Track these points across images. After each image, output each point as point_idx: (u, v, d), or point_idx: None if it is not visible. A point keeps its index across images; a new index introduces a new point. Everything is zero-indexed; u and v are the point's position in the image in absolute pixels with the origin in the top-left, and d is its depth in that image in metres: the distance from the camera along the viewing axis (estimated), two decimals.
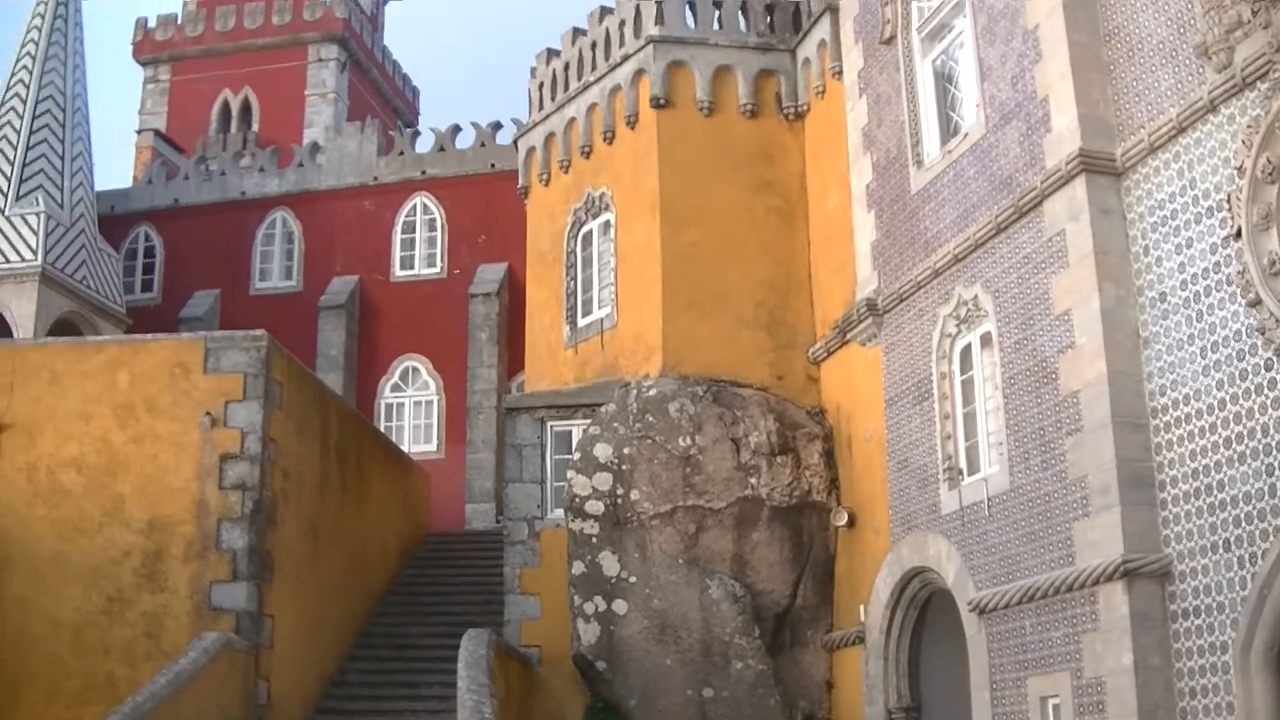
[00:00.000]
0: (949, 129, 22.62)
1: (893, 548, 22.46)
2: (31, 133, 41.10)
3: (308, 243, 43.92)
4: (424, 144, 44.23)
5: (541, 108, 31.82)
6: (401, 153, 43.98)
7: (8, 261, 39.00)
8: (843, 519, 24.42)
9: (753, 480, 24.71)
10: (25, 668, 23.64)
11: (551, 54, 31.98)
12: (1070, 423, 18.19)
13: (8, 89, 42.15)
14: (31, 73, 42.05)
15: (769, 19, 29.00)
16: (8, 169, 40.47)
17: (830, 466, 25.18)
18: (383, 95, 60.93)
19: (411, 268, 42.58)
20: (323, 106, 55.66)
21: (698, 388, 25.50)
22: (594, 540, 24.60)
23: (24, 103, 41.62)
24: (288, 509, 25.31)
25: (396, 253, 42.82)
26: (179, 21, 58.49)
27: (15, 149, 40.79)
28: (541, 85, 32.04)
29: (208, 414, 24.35)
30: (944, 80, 23.04)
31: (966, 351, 21.42)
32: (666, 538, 24.38)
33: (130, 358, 25.22)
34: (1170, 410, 17.08)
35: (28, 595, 24.01)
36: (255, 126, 55.80)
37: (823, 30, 27.20)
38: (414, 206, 42.95)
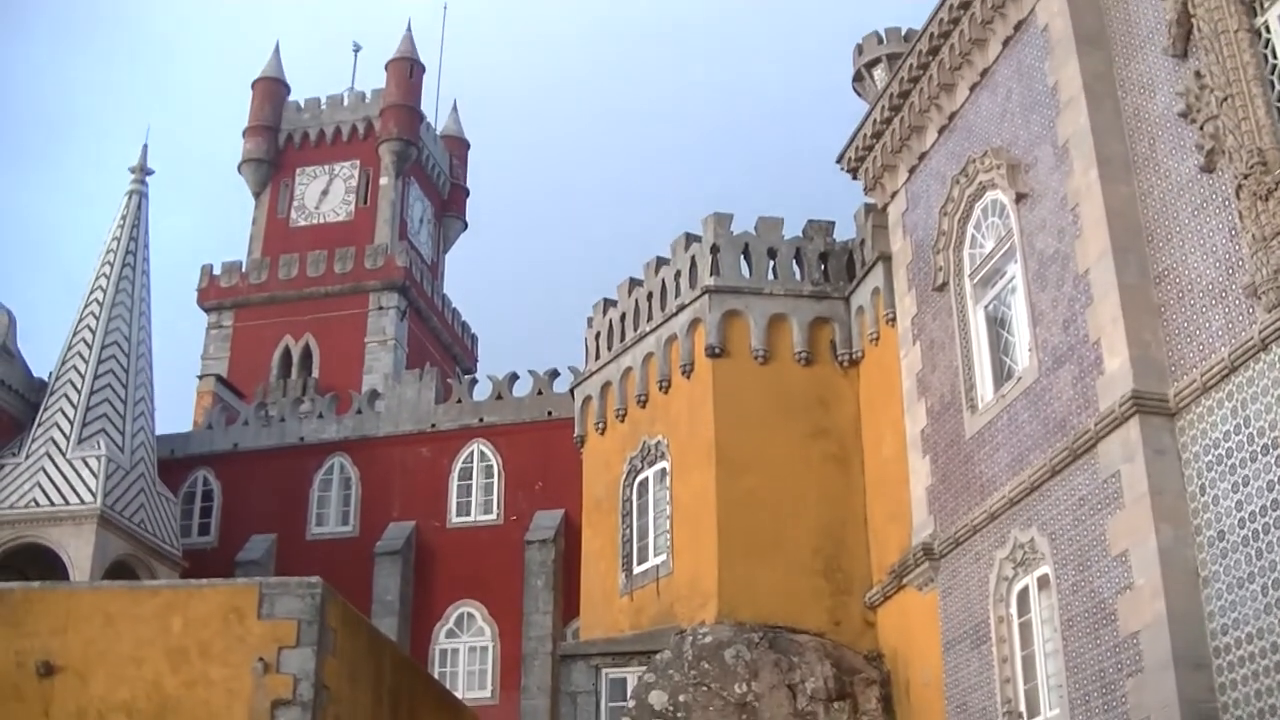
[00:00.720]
0: (1002, 373, 22.71)
1: None
2: (96, 377, 41.82)
3: (365, 488, 44.15)
4: (481, 391, 44.69)
5: (598, 357, 32.12)
6: (459, 400, 44.36)
7: (67, 503, 39.38)
8: None
9: None
10: None
11: (608, 304, 32.37)
12: (1131, 664, 17.94)
13: (74, 333, 43.00)
14: (98, 318, 42.91)
15: (823, 267, 29.31)
16: (71, 412, 41.08)
17: (888, 712, 24.82)
18: (441, 342, 61.72)
19: (468, 514, 42.69)
20: (382, 353, 56.41)
21: (754, 634, 25.29)
22: None
23: (89, 347, 42.39)
24: None
25: (453, 499, 42.99)
26: (243, 269, 59.76)
27: (79, 392, 41.46)
28: (599, 335, 32.38)
29: (261, 659, 24.16)
30: (997, 325, 23.19)
31: (1024, 594, 21.24)
32: None
33: (185, 602, 25.14)
34: (1233, 649, 16.83)
35: None
36: (315, 372, 56.56)
37: (876, 278, 27.47)
38: (471, 453, 43.21)
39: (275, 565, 42.46)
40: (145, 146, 46.96)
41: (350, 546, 43.11)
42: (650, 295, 30.82)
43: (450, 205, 69.02)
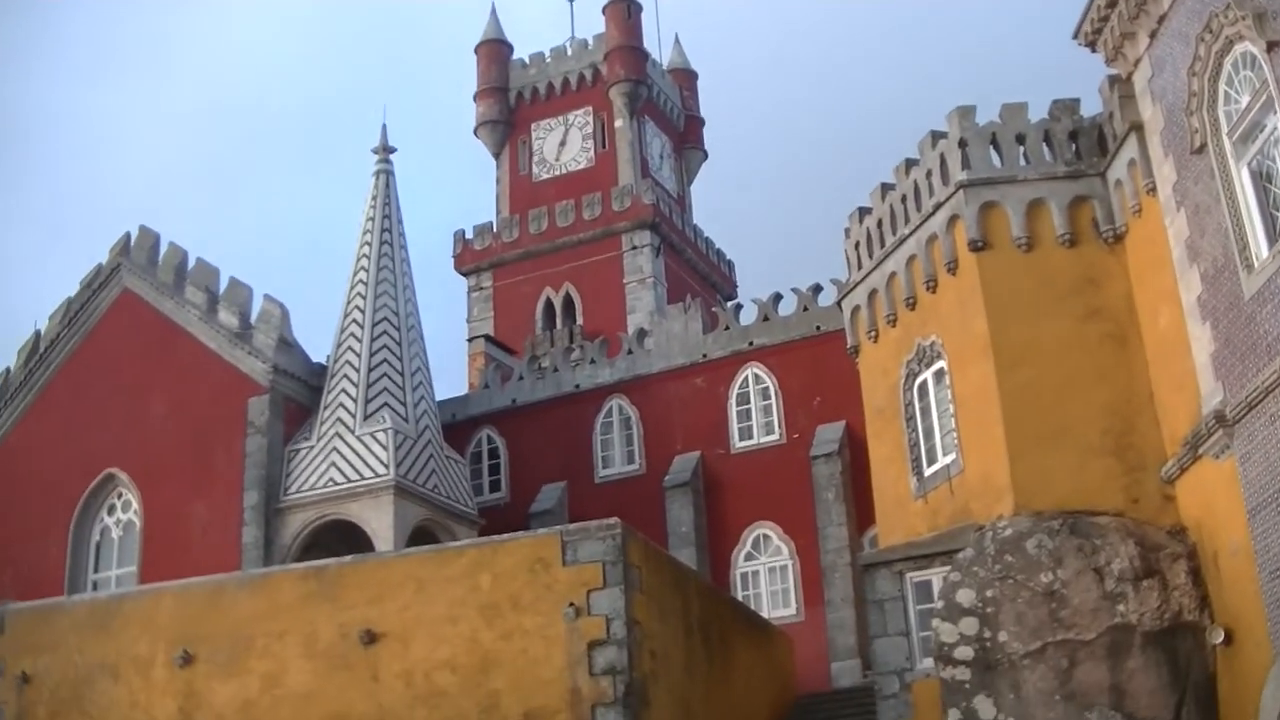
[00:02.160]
0: (1274, 229, 22.20)
1: (1276, 661, 21.74)
2: (371, 354, 43.00)
3: (646, 426, 44.74)
4: (747, 315, 44.84)
5: (860, 266, 32.12)
6: (727, 327, 44.65)
7: (363, 478, 40.64)
8: (1219, 637, 23.72)
9: (1120, 608, 24.22)
10: None
11: (863, 212, 32.34)
12: None
13: (345, 315, 44.24)
14: (365, 298, 44.07)
15: (1074, 146, 28.86)
16: (353, 391, 42.33)
17: (1199, 585, 24.52)
18: (699, 273, 62.09)
19: (751, 437, 43.00)
20: (642, 292, 56.98)
21: (1053, 522, 25.18)
22: (967, 686, 24.36)
23: (361, 327, 43.59)
24: (658, 689, 25.57)
25: (734, 424, 43.33)
26: (495, 229, 60.91)
27: (358, 371, 42.69)
28: (858, 244, 32.38)
29: (571, 605, 24.84)
30: (1263, 180, 22.65)
31: None
32: (1039, 676, 24.00)
33: (490, 559, 25.97)
34: None
35: None
36: (579, 320, 57.41)
37: (1131, 149, 26.98)
38: (746, 378, 43.47)
39: (568, 512, 43.24)
40: (384, 126, 47.87)
41: (639, 484, 43.78)
42: (904, 197, 30.71)
43: (687, 137, 69.27)
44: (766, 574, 41.53)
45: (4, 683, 28.39)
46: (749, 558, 41.92)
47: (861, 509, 38.02)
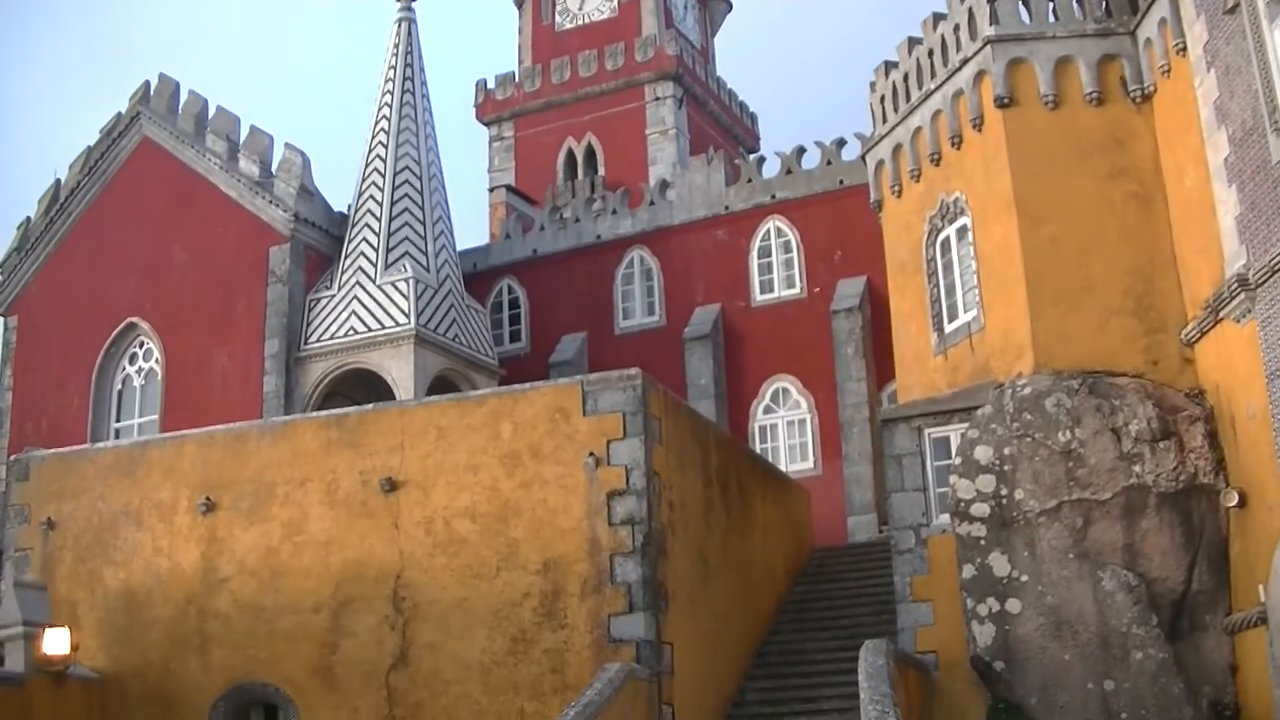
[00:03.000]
0: None
1: None
2: (393, 203, 43.01)
3: (666, 278, 44.78)
4: (770, 168, 44.65)
5: (885, 120, 31.89)
6: (749, 180, 44.48)
7: (383, 327, 40.80)
8: (1233, 499, 23.82)
9: (1136, 468, 24.32)
10: (442, 709, 24.77)
11: (889, 65, 32.06)
12: None
13: (366, 164, 44.20)
14: (386, 147, 43.97)
15: (1104, 3, 28.51)
16: (374, 240, 42.38)
17: (1215, 448, 24.58)
18: (722, 125, 61.71)
19: (771, 291, 43.02)
20: (664, 144, 56.66)
21: (1072, 381, 25.21)
22: (982, 542, 24.57)
23: (383, 176, 43.56)
24: (676, 539, 25.80)
25: (755, 278, 43.34)
26: (516, 79, 60.47)
27: (379, 220, 42.72)
28: (883, 98, 32.13)
29: (591, 454, 24.97)
30: None
31: None
32: (1054, 534, 24.18)
33: (511, 408, 26.08)
34: None
35: (437, 641, 25.11)
36: (601, 170, 57.18)
37: (1162, 8, 26.65)
38: (767, 231, 43.41)
39: (587, 363, 43.44)
40: None
41: (659, 336, 43.93)
42: (931, 52, 30.41)
43: None
44: (785, 428, 41.74)
45: (29, 529, 28.70)
46: (768, 411, 42.11)
47: (881, 365, 38.13)
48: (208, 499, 27.07)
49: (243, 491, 27.05)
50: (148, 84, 46.33)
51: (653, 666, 24.27)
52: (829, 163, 43.18)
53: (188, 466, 27.75)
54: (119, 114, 46.47)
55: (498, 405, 26.24)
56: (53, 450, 30.63)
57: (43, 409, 44.56)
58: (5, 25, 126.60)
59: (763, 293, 43.23)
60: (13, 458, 31.72)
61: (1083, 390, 25.05)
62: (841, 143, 43.04)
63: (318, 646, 25.81)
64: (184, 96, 45.80)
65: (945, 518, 25.88)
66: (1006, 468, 24.75)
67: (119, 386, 44.28)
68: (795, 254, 42.96)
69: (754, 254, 43.56)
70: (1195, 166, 25.33)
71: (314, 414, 30.51)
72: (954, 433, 26.58)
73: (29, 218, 47.01)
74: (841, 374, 40.27)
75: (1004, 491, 24.63)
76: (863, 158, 33.48)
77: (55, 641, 25.21)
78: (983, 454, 25.01)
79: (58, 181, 46.97)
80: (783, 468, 38.42)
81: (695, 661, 25.95)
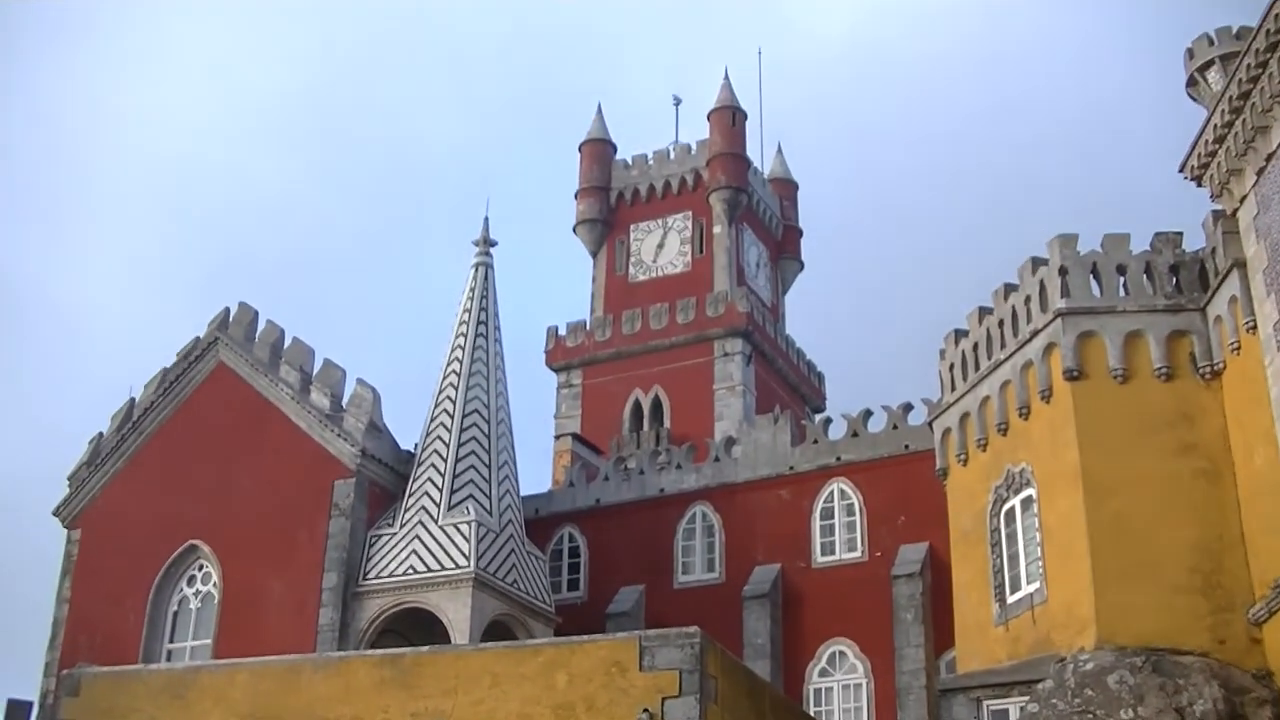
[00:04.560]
0: None
1: None
2: (460, 445, 43.23)
3: (728, 534, 44.62)
4: (836, 430, 44.68)
5: (954, 388, 32.07)
6: (815, 440, 44.53)
7: (443, 568, 40.71)
8: None
9: None
10: None
11: (959, 334, 32.32)
12: None
13: (435, 404, 44.54)
14: (457, 388, 44.37)
15: (1174, 280, 28.82)
16: (439, 480, 42.54)
17: None
18: (789, 383, 62.10)
19: (832, 553, 42.77)
20: (731, 399, 57.04)
21: (1136, 658, 24.92)
22: None
23: (451, 417, 43.86)
24: None
25: (816, 539, 43.10)
26: (588, 327, 61.31)
27: (445, 461, 42.92)
28: (952, 366, 32.35)
29: (646, 710, 24.73)
30: None
31: None
32: None
33: (567, 659, 25.93)
34: None
35: None
36: (667, 423, 57.53)
37: (1232, 286, 26.90)
38: (831, 492, 43.30)
39: (645, 615, 43.17)
40: (486, 219, 48.31)
41: (717, 592, 43.61)
42: (1001, 322, 30.70)
43: (784, 247, 69.45)
44: (841, 691, 41.17)
45: None
46: (824, 674, 41.59)
47: (940, 631, 37.69)
48: None
49: None
50: (227, 310, 47.07)
51: None
52: (895, 427, 43.20)
53: (239, 695, 27.64)
54: (197, 338, 47.15)
55: (554, 655, 26.10)
56: (105, 668, 30.59)
57: (97, 624, 44.50)
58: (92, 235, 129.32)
59: (824, 554, 42.99)
60: (64, 672, 31.66)
61: (1146, 668, 24.76)
62: (908, 407, 43.09)
63: None
64: (261, 325, 46.49)
65: None
66: None
67: (175, 607, 44.24)
68: (858, 517, 42.79)
69: (816, 515, 43.42)
70: (1265, 445, 25.34)
71: (369, 652, 30.50)
72: (1013, 705, 26.28)
73: (101, 433, 47.51)
74: (900, 639, 39.82)
75: None
76: (929, 424, 33.62)
77: None
78: None
79: (132, 400, 47.55)
80: None
81: None
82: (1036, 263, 29.85)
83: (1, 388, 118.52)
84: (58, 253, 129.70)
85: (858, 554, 42.38)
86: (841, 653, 41.52)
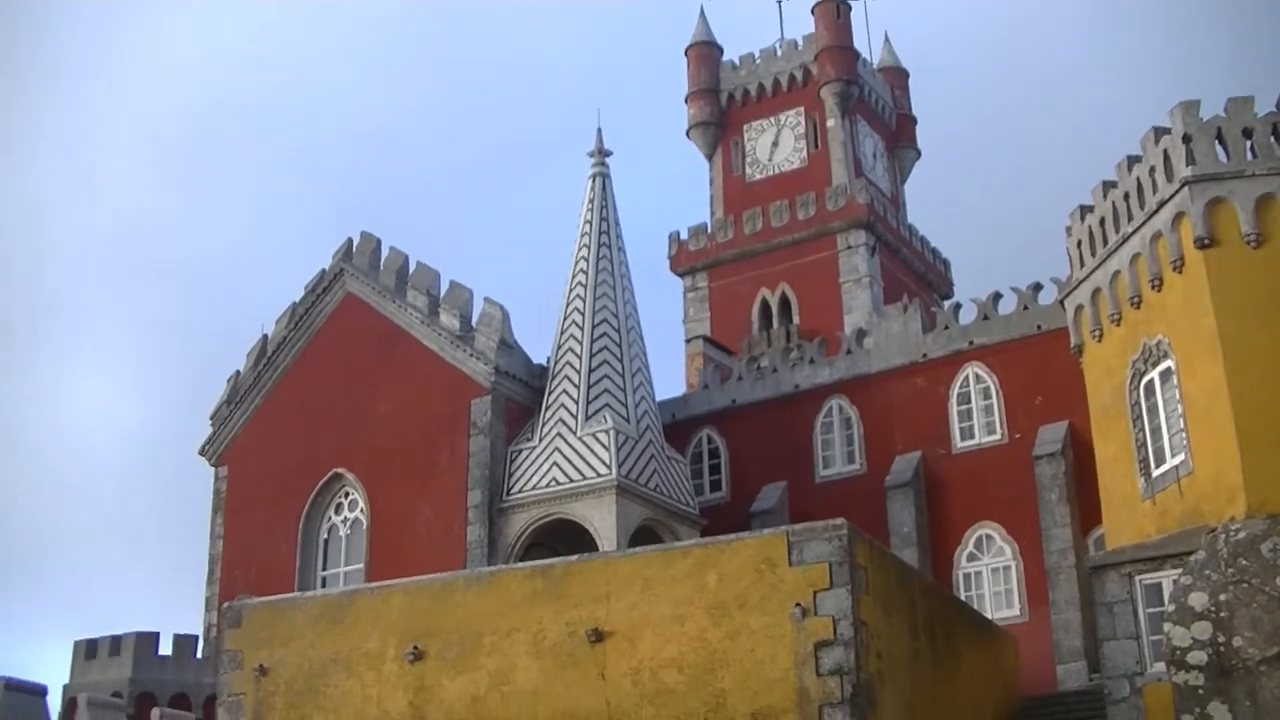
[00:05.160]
0: None
1: None
2: (592, 355, 43.52)
3: (866, 426, 44.68)
4: (966, 314, 44.43)
5: (1082, 264, 31.74)
6: (946, 327, 44.30)
7: (585, 478, 41.10)
8: None
9: None
10: None
11: (1085, 210, 31.95)
12: None
13: (565, 317, 44.79)
14: (584, 299, 44.56)
15: None
16: (574, 392, 42.87)
17: None
18: (915, 272, 61.78)
19: (972, 437, 42.67)
20: (858, 292, 56.90)
21: None
22: (1200, 692, 24.00)
23: (581, 329, 44.11)
24: (885, 689, 25.46)
25: (955, 424, 43.02)
26: (709, 230, 61.28)
27: (579, 372, 43.22)
28: (1079, 242, 32.00)
29: (798, 605, 24.79)
30: None
31: None
32: (1277, 683, 23.55)
33: (717, 559, 25.99)
34: None
35: None
36: (796, 319, 57.51)
37: None
38: (966, 377, 43.12)
39: (788, 511, 43.31)
40: (599, 130, 48.39)
41: (859, 484, 43.74)
42: (1126, 195, 30.30)
43: (900, 136, 68.83)
44: (989, 575, 41.20)
45: (242, 675, 29.11)
46: (971, 558, 41.62)
47: (1086, 510, 37.55)
48: (415, 648, 27.24)
49: (450, 641, 27.19)
50: (350, 241, 47.53)
51: None
52: (1026, 308, 42.86)
53: (395, 615, 28.01)
54: (323, 270, 47.66)
55: (703, 556, 26.18)
56: (263, 598, 31.16)
57: (251, 557, 45.47)
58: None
59: (963, 439, 42.91)
60: (225, 605, 32.33)
61: None
62: (1038, 287, 42.71)
63: None
64: (385, 252, 46.88)
65: (1161, 666, 25.38)
66: (1223, 614, 24.22)
67: (325, 535, 45.07)
68: (995, 400, 42.62)
69: (953, 401, 43.29)
70: None
71: (520, 565, 30.77)
72: (1166, 579, 26.13)
73: (238, 371, 48.31)
74: (1046, 520, 39.70)
75: (1221, 639, 24.08)
76: (1061, 302, 33.32)
77: None
78: (1198, 600, 24.51)
79: (265, 336, 48.24)
80: (988, 615, 37.82)
81: None
82: (1159, 132, 29.39)
83: (145, 336, 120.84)
84: (187, 202, 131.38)
85: (997, 437, 42.28)
86: (988, 536, 41.51)
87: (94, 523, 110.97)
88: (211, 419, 48.45)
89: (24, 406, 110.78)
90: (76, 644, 50.05)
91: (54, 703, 37.70)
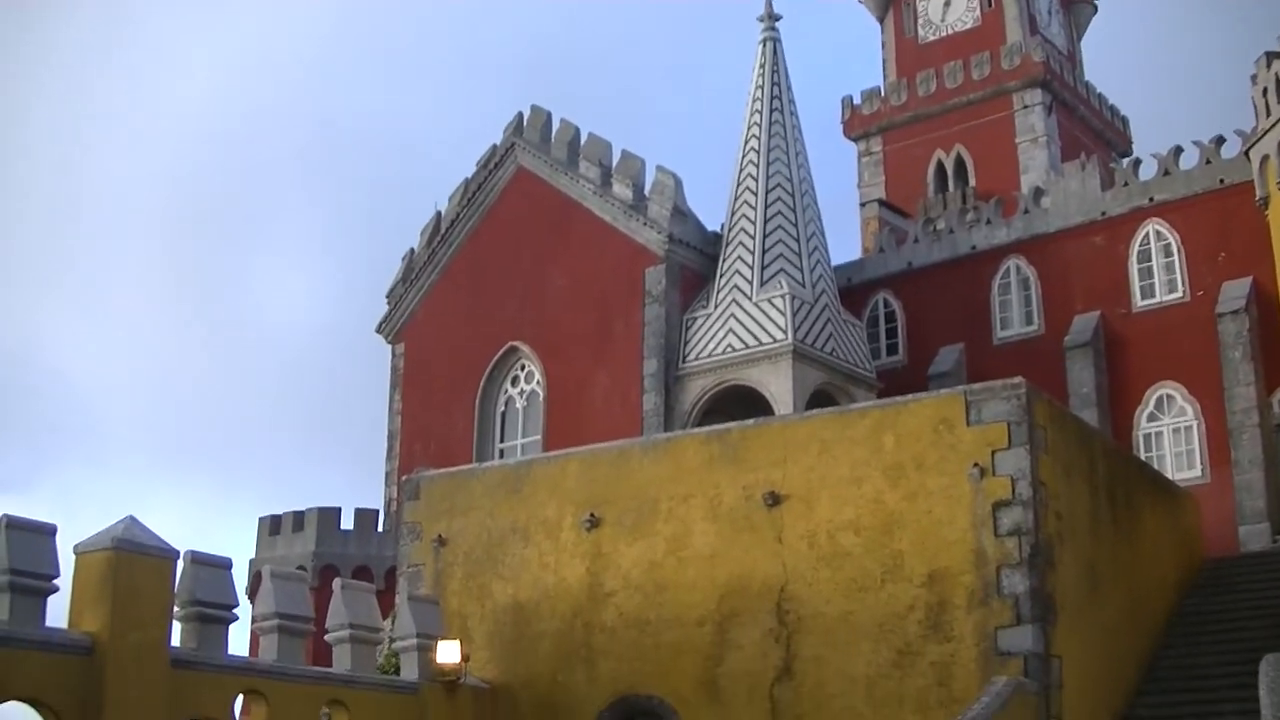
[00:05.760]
0: None
1: None
2: (766, 220, 43.29)
3: (1044, 286, 44.05)
4: (1146, 171, 43.47)
5: (1269, 113, 30.93)
6: (1125, 183, 43.40)
7: (761, 344, 41.06)
8: None
9: None
10: None
11: (1271, 56, 31.07)
12: None
13: (737, 183, 44.60)
14: (757, 165, 44.30)
15: None
16: (749, 258, 42.69)
17: None
18: (1092, 129, 60.49)
19: (1152, 296, 41.91)
20: (1035, 151, 55.93)
21: None
22: None
23: (755, 194, 43.88)
24: (1064, 550, 25.22)
25: (1135, 283, 42.27)
26: (882, 93, 60.47)
27: (753, 238, 43.03)
28: (1265, 90, 31.16)
29: (976, 465, 24.58)
30: None
31: None
32: None
33: (893, 420, 25.81)
34: None
35: (822, 654, 24.92)
36: (971, 181, 56.68)
37: None
38: (1146, 234, 42.27)
39: (966, 373, 42.87)
40: None
41: (1038, 345, 43.27)
42: None
43: None
44: (1170, 435, 40.58)
45: (421, 546, 29.58)
46: (1152, 419, 41.02)
47: (1271, 368, 36.88)
48: (592, 515, 27.46)
49: (626, 507, 27.36)
50: (520, 115, 47.60)
51: (1041, 680, 23.69)
52: (1208, 162, 41.74)
53: (572, 484, 28.22)
54: (494, 146, 47.83)
55: (880, 417, 26.01)
56: (442, 470, 31.55)
57: (430, 431, 46.14)
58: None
59: (1143, 298, 42.14)
60: (404, 478, 32.82)
61: None
62: (1221, 140, 41.53)
63: (702, 659, 25.92)
64: (556, 125, 46.88)
65: None
66: None
67: (502, 408, 45.58)
68: (1176, 257, 41.73)
69: (1133, 259, 42.48)
70: None
71: (696, 430, 30.80)
72: None
73: (412, 249, 48.80)
74: (1229, 378, 38.96)
75: None
76: (1245, 154, 32.47)
77: (447, 652, 25.95)
78: None
79: (438, 213, 48.61)
80: (1169, 476, 37.27)
81: (1084, 676, 25.31)
82: None
83: (326, 217, 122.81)
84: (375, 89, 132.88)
85: (1179, 295, 41.48)
86: (1169, 396, 40.86)
87: (280, 406, 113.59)
88: (388, 297, 49.09)
89: (230, 301, 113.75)
90: (261, 520, 51.45)
91: (240, 577, 38.76)
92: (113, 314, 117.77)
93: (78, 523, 21.29)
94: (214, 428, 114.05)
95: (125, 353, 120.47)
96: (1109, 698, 26.51)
